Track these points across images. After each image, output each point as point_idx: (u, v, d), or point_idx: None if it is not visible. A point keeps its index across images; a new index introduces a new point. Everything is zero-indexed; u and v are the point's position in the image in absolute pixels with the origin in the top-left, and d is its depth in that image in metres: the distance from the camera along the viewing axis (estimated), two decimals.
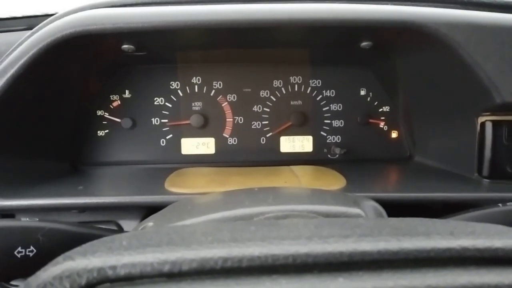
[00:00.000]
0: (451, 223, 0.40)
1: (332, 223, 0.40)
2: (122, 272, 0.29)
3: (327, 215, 0.50)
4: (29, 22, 1.04)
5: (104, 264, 0.30)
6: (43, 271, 0.31)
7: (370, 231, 0.35)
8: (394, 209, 0.59)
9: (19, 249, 0.53)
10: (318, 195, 0.60)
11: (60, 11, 0.77)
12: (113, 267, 0.29)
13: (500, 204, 0.61)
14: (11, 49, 0.71)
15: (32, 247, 0.53)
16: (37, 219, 0.57)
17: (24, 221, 0.56)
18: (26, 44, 0.68)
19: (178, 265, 0.30)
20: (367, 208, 0.55)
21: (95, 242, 0.35)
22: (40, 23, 0.75)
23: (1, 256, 0.53)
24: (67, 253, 0.33)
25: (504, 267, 0.31)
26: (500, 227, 0.38)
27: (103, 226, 0.70)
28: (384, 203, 0.59)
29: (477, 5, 0.79)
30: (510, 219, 0.56)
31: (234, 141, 1.01)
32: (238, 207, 0.51)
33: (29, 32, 0.73)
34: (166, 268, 0.29)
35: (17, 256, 0.53)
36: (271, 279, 0.30)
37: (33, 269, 0.32)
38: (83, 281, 0.29)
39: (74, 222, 0.62)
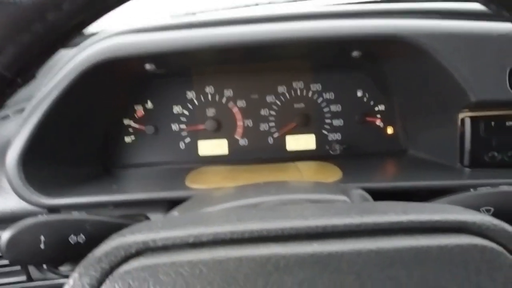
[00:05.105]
0: (412, 204, 0.49)
1: (317, 207, 0.50)
2: (160, 243, 0.39)
3: (317, 202, 0.61)
4: None
5: (146, 238, 0.40)
6: (103, 244, 0.43)
7: (342, 211, 0.45)
8: (388, 197, 0.63)
9: (72, 236, 0.66)
10: (313, 187, 0.71)
11: (88, 40, 0.87)
12: (154, 240, 0.39)
13: (471, 189, 0.70)
14: (51, 73, 0.84)
15: (82, 235, 0.66)
16: (84, 213, 0.70)
17: (74, 214, 0.68)
18: (67, 69, 0.80)
19: (198, 237, 0.40)
20: (354, 196, 0.65)
21: (137, 224, 0.47)
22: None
23: (57, 243, 0.64)
24: (118, 232, 0.45)
25: (442, 234, 0.42)
26: (446, 206, 0.49)
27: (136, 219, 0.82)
28: (376, 192, 0.67)
29: (455, 14, 0.87)
30: (477, 202, 0.66)
31: (245, 142, 1.09)
32: (245, 198, 0.62)
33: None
34: (191, 240, 0.39)
35: (70, 243, 0.65)
36: (266, 245, 0.40)
37: (85, 252, 0.44)
38: (133, 250, 0.39)
39: (113, 215, 0.74)
